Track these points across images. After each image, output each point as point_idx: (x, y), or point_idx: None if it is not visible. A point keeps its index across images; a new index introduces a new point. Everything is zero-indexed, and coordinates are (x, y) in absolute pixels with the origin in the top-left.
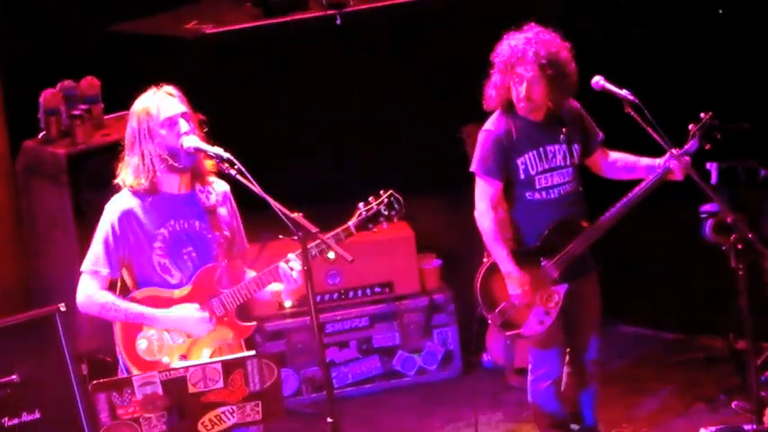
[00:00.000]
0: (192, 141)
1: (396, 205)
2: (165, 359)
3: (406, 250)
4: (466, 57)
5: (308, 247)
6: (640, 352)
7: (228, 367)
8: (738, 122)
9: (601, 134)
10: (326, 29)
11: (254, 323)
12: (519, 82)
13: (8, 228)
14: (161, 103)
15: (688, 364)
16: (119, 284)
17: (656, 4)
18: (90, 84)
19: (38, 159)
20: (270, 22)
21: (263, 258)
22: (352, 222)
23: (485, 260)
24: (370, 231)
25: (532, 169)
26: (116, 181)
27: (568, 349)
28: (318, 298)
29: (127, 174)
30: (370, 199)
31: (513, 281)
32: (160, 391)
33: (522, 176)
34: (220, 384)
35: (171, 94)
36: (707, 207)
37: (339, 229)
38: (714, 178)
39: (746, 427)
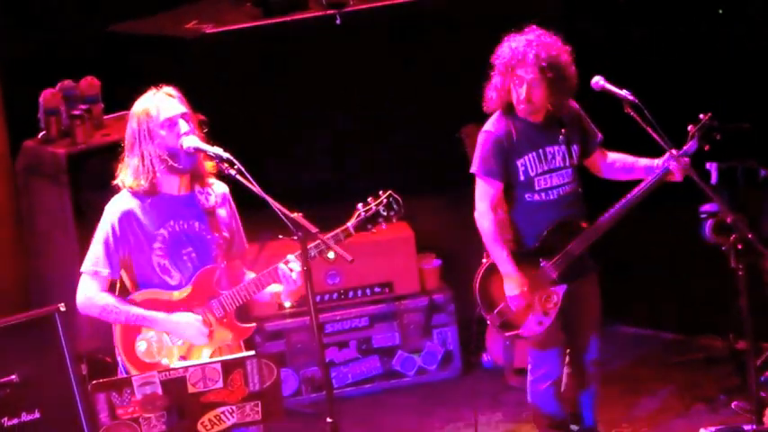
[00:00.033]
0: (192, 141)
1: (394, 206)
2: (165, 361)
3: (405, 250)
4: (466, 57)
5: (308, 247)
6: (640, 352)
7: (228, 367)
8: (738, 122)
9: (600, 135)
10: (326, 29)
11: (254, 324)
12: (519, 84)
13: (8, 228)
14: (161, 104)
15: (688, 364)
16: (118, 286)
17: (656, 4)
18: (90, 84)
19: (38, 159)
20: (270, 21)
21: (263, 258)
22: (350, 223)
23: (484, 260)
24: (368, 232)
25: (532, 171)
26: (115, 182)
27: (568, 350)
28: (318, 298)
29: (126, 175)
30: (369, 200)
31: (512, 282)
32: (160, 391)
33: (522, 178)
34: (220, 384)
35: (170, 95)
36: (707, 207)
37: (338, 230)
38: (714, 178)
39: (746, 427)
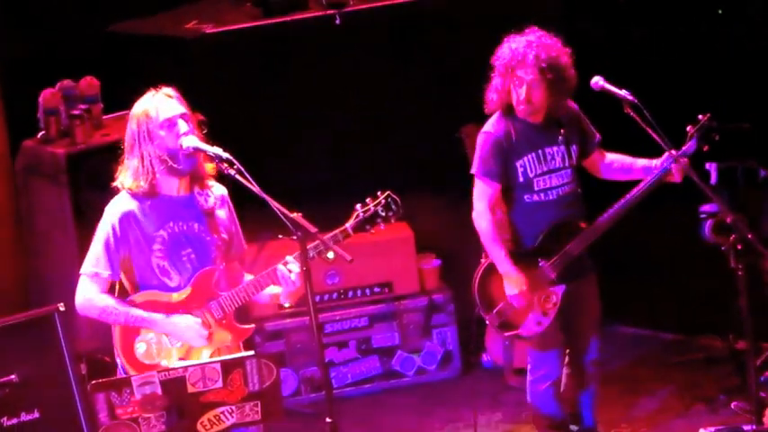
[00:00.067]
0: (191, 141)
1: (393, 206)
2: (164, 362)
3: (405, 250)
4: (466, 57)
5: (307, 248)
6: (640, 352)
7: (227, 367)
8: (738, 122)
9: (598, 135)
10: (326, 29)
11: (253, 325)
12: (519, 85)
13: (7, 227)
14: (160, 104)
15: (687, 364)
16: (117, 287)
17: (656, 4)
18: (89, 84)
19: (37, 159)
20: (270, 21)
21: (262, 258)
22: (349, 224)
23: (483, 260)
24: (367, 233)
25: (531, 172)
26: (115, 184)
27: (568, 350)
28: (318, 298)
29: (126, 176)
30: (368, 200)
31: (511, 281)
32: (159, 391)
33: (521, 179)
34: (219, 384)
35: (170, 96)
36: (706, 207)
37: (336, 231)
38: (714, 178)
39: (746, 427)
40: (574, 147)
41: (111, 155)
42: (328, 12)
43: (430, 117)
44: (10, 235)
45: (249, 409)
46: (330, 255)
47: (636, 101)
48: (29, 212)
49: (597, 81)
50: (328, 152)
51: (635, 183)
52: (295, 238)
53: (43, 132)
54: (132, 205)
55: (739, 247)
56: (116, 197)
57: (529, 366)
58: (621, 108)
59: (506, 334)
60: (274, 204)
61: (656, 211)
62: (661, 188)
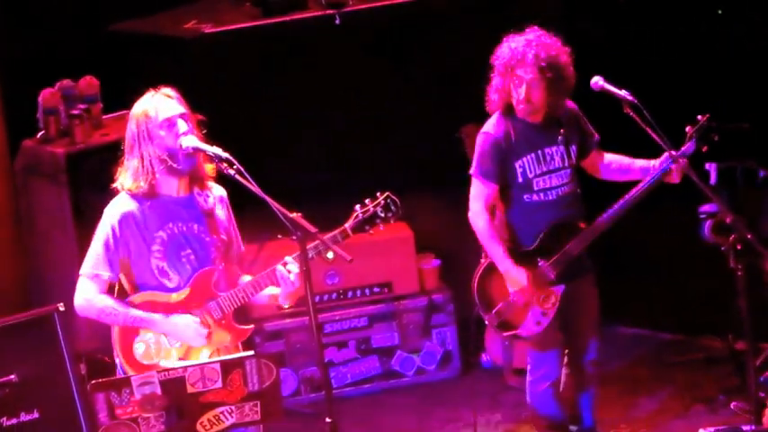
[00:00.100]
0: (191, 141)
1: (392, 207)
2: (163, 363)
3: (404, 250)
4: (466, 57)
5: (306, 248)
6: (639, 353)
7: (227, 367)
8: (738, 123)
9: (597, 135)
10: (326, 29)
11: (252, 326)
12: (518, 84)
13: (7, 227)
14: (159, 104)
15: (687, 364)
16: (116, 288)
17: (656, 4)
18: (89, 83)
19: (37, 159)
20: (269, 21)
21: (262, 259)
22: (348, 224)
23: (482, 260)
24: (366, 233)
25: (530, 172)
26: (114, 185)
27: (567, 350)
28: (317, 298)
29: (126, 177)
30: (367, 201)
31: (512, 278)
32: (159, 391)
33: (521, 180)
34: (219, 384)
35: (169, 96)
36: (706, 207)
37: (335, 232)
38: (713, 179)
39: (745, 427)
40: (573, 147)
41: (111, 154)
42: (328, 12)
43: (430, 117)
44: (9, 235)
45: (249, 409)
46: (330, 255)
47: (635, 101)
48: (28, 212)
49: (597, 81)
50: (328, 152)
51: (634, 183)
52: (294, 238)
53: (43, 132)
54: (132, 206)
55: (739, 247)
56: (116, 198)
57: (528, 366)
58: (621, 108)
59: (505, 334)
60: (274, 204)
61: (656, 212)
62: (660, 188)
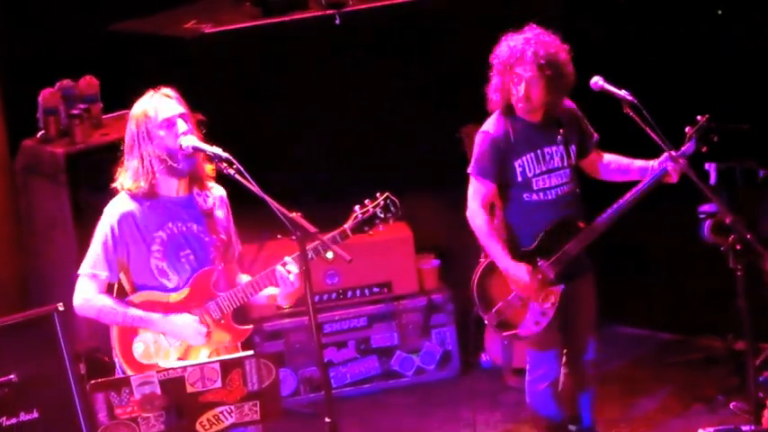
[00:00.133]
0: (191, 141)
1: (392, 208)
2: (162, 362)
3: (404, 250)
4: (466, 57)
5: (306, 248)
6: (638, 353)
7: (227, 367)
8: (737, 123)
9: (596, 135)
10: (326, 29)
11: (251, 326)
12: (517, 82)
13: (7, 227)
14: (159, 104)
15: (686, 364)
16: (115, 288)
17: (656, 4)
18: (89, 83)
19: (36, 159)
20: (269, 21)
21: (261, 259)
22: (347, 225)
23: (481, 260)
24: (365, 234)
25: (530, 171)
26: (114, 185)
27: (565, 350)
28: (317, 298)
29: (126, 177)
30: (366, 201)
31: (513, 275)
32: (158, 390)
33: (520, 179)
34: (218, 384)
35: (168, 96)
36: (705, 207)
37: (335, 232)
38: (713, 179)
39: (744, 427)
40: (573, 147)
41: (111, 154)
42: (328, 12)
43: (430, 117)
44: (9, 234)
45: (248, 408)
46: (329, 255)
47: (635, 101)
48: (28, 212)
49: (597, 81)
50: (328, 152)
51: (633, 183)
52: (294, 238)
53: (42, 132)
54: (131, 206)
55: (738, 247)
56: (115, 198)
57: (527, 366)
58: (621, 108)
59: (505, 333)
60: (273, 204)
61: (655, 212)
62: (660, 188)
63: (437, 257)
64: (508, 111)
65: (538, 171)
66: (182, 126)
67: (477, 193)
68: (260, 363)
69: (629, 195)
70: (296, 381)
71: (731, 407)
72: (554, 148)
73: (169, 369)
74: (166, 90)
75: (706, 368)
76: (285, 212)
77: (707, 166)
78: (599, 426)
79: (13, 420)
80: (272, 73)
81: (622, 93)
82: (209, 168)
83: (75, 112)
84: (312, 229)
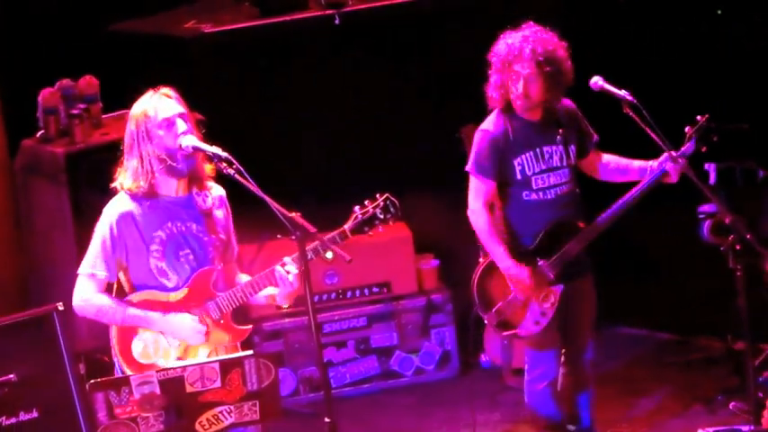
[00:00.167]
0: (190, 141)
1: (391, 209)
2: (161, 362)
3: (403, 250)
4: (466, 57)
5: (306, 249)
6: (638, 353)
7: (226, 367)
8: (737, 123)
9: (596, 136)
10: (325, 28)
11: (251, 326)
12: (516, 79)
13: (6, 227)
14: (158, 104)
15: (686, 365)
16: (114, 288)
17: (656, 4)
18: (88, 83)
19: (36, 158)
20: (268, 21)
21: (261, 259)
22: (347, 225)
23: (481, 260)
24: (365, 234)
25: (529, 170)
26: (114, 184)
27: (564, 350)
28: (316, 298)
29: (125, 177)
30: (366, 202)
31: (513, 276)
32: (158, 390)
33: (519, 177)
34: (218, 384)
35: (168, 96)
36: (705, 208)
37: (335, 233)
38: (712, 179)
39: (744, 428)
40: (572, 147)
41: (111, 154)
42: (327, 11)
43: (430, 117)
44: (9, 234)
45: (248, 408)
46: (329, 255)
47: (635, 101)
48: (28, 212)
49: (596, 81)
50: (328, 152)
51: (633, 183)
52: (293, 238)
53: (42, 132)
54: (131, 206)
55: (738, 247)
56: (114, 198)
57: (526, 366)
58: (621, 108)
59: (505, 333)
60: (273, 204)
61: (655, 212)
62: (659, 188)
63: (436, 257)
64: (507, 109)
65: (537, 169)
66: (181, 126)
67: (478, 191)
68: (259, 362)
69: (628, 195)
70: (295, 380)
71: (731, 407)
72: (553, 148)
73: (168, 369)
74: (166, 90)
75: (705, 368)
76: (285, 212)
77: (706, 166)
78: (598, 426)
79: (13, 420)
80: (271, 73)
81: (622, 93)
82: (208, 168)
83: (75, 111)
84: (312, 229)
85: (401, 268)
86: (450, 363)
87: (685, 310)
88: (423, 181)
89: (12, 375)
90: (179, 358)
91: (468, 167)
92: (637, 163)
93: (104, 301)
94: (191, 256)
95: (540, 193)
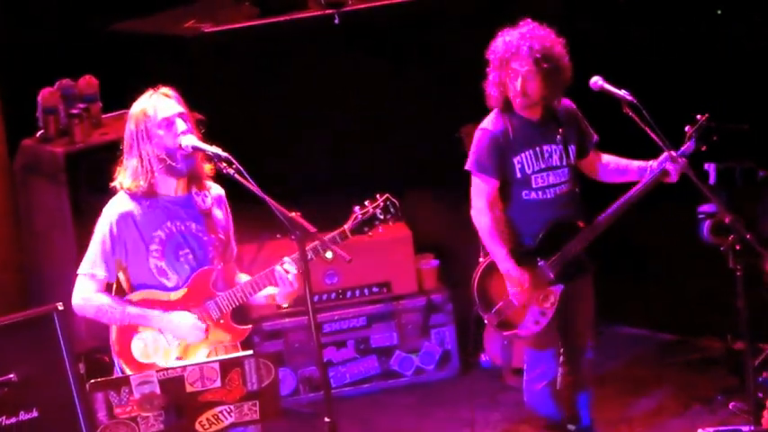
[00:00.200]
0: (190, 140)
1: (391, 209)
2: (161, 362)
3: (403, 250)
4: (466, 57)
5: (305, 249)
6: (637, 353)
7: (226, 366)
8: (737, 123)
9: (596, 136)
10: (325, 28)
11: (251, 326)
12: (514, 77)
13: (6, 226)
14: (158, 103)
15: (685, 365)
16: (114, 288)
17: (656, 4)
18: (88, 83)
19: (36, 158)
20: (268, 21)
21: (261, 259)
22: (347, 225)
23: (481, 259)
24: (365, 235)
25: (528, 168)
26: (113, 184)
27: (563, 350)
28: (316, 298)
29: (125, 177)
30: (366, 202)
31: (513, 279)
32: (158, 390)
33: (519, 175)
34: (218, 384)
35: (168, 95)
36: (705, 208)
37: (335, 233)
38: (712, 179)
39: (744, 428)
40: (572, 146)
41: (110, 154)
42: (327, 11)
43: (430, 117)
44: (9, 234)
45: (247, 408)
46: (329, 255)
47: (635, 101)
48: (27, 211)
49: (596, 81)
50: (328, 152)
51: (633, 183)
52: (293, 237)
53: (42, 131)
54: (130, 206)
55: (738, 247)
56: (114, 198)
57: (525, 366)
58: (620, 108)
59: (505, 333)
60: (273, 204)
61: (655, 212)
62: (659, 188)
63: (436, 257)
64: (506, 107)
65: (537, 168)
66: (181, 125)
67: (481, 191)
68: (259, 362)
69: (628, 195)
70: (295, 380)
71: (730, 407)
72: (553, 147)
73: (168, 368)
74: (165, 89)
75: (705, 368)
76: (284, 212)
77: (706, 166)
78: (598, 425)
79: (13, 420)
80: (271, 73)
81: (622, 93)
82: (207, 168)
83: (75, 111)
84: (311, 228)
85: (401, 268)
86: (450, 362)
87: (685, 310)
88: (423, 181)
89: (12, 375)
90: (179, 358)
91: (468, 167)
92: (636, 163)
93: (104, 300)
94: (190, 256)
95: (540, 192)
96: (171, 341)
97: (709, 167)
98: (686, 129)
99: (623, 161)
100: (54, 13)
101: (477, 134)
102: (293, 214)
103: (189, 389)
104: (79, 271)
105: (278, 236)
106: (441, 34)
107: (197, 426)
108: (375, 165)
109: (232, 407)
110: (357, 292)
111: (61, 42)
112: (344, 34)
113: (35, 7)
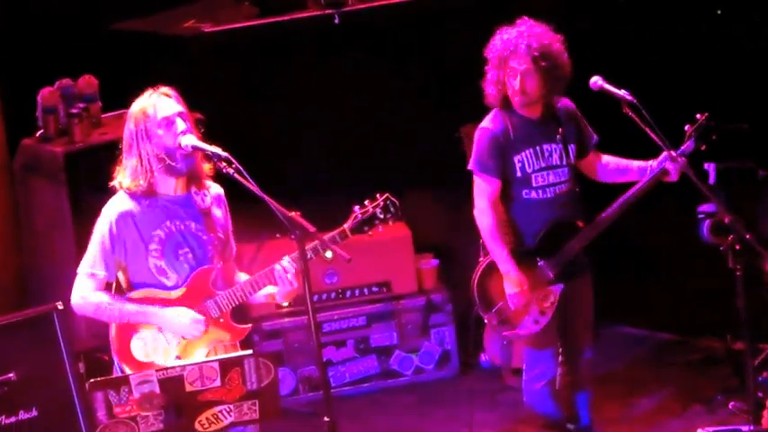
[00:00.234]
0: (190, 140)
1: (391, 208)
2: (161, 361)
3: (403, 250)
4: (466, 57)
5: (305, 248)
6: (637, 353)
7: (226, 366)
8: (737, 123)
9: (596, 136)
10: (325, 28)
11: (250, 325)
12: (513, 75)
13: (6, 226)
14: (157, 103)
15: (685, 365)
16: (114, 287)
17: (656, 4)
18: (88, 82)
19: (36, 158)
20: (268, 21)
21: (260, 258)
22: (347, 225)
23: (481, 259)
24: (365, 234)
25: (529, 167)
26: (112, 183)
27: (562, 349)
28: (316, 297)
29: (124, 176)
30: (366, 202)
31: (512, 281)
32: (157, 389)
33: (519, 174)
34: (217, 383)
35: (167, 95)
36: (705, 207)
37: (334, 232)
38: (712, 179)
39: (744, 428)
40: (572, 146)
41: (110, 153)
42: (326, 11)
43: (430, 117)
44: (8, 233)
45: (247, 407)
46: (328, 254)
47: (634, 101)
48: (27, 211)
49: (596, 81)
50: (328, 152)
51: (633, 183)
52: (293, 237)
53: (42, 131)
54: (130, 205)
55: (737, 247)
56: (114, 197)
57: (524, 366)
58: (620, 108)
59: (505, 333)
60: (272, 203)
61: (654, 211)
62: (659, 188)
63: (436, 257)
64: (506, 106)
65: (537, 167)
66: (180, 125)
67: (483, 191)
68: (259, 362)
69: (628, 194)
70: (295, 380)
71: (730, 407)
72: (553, 146)
73: (168, 368)
74: (165, 89)
75: (705, 368)
76: (284, 212)
77: (706, 165)
78: (597, 425)
79: (13, 419)
80: (271, 73)
81: (622, 92)
82: (206, 167)
83: (75, 111)
84: (311, 228)
85: (401, 268)
86: (450, 362)
87: (685, 310)
88: (423, 181)
89: (11, 374)
90: (178, 357)
91: (470, 167)
92: (636, 163)
93: (102, 298)
94: (190, 255)
95: (540, 192)
96: (170, 340)
97: (709, 167)
98: (686, 128)
99: (623, 161)
100: (54, 12)
101: (478, 134)
102: (293, 214)
103: (188, 388)
104: (79, 270)
105: (277, 235)
106: (441, 34)
107: (196, 425)
108: (375, 165)
109: (231, 406)
110: (357, 292)
111: (61, 42)
112: (344, 34)
113: (35, 7)
